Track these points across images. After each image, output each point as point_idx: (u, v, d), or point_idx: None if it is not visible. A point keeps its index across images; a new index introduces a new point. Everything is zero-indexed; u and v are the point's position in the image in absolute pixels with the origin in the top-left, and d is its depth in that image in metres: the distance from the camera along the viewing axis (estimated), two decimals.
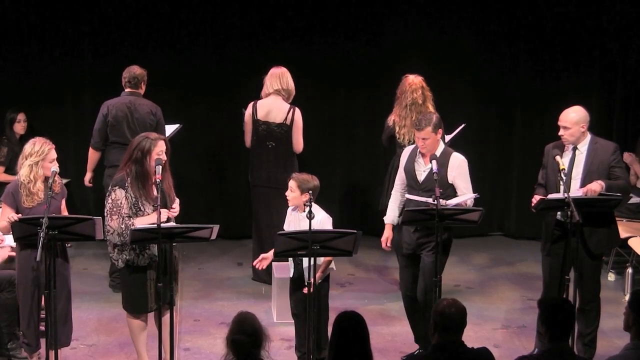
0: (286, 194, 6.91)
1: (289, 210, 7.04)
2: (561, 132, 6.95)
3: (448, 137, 8.50)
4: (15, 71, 9.95)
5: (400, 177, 7.22)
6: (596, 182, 6.80)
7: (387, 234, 7.29)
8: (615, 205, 6.92)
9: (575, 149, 6.95)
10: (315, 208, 6.64)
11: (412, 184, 7.02)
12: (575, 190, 6.82)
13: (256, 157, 8.79)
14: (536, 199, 6.91)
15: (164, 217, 6.30)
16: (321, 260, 6.81)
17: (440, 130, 6.97)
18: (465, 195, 6.91)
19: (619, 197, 6.82)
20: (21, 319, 6.75)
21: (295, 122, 8.63)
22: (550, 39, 10.18)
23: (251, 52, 10.02)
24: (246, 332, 4.92)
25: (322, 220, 6.81)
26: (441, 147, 7.02)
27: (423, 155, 6.99)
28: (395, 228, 7.25)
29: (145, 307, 6.63)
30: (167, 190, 6.58)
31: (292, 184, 6.86)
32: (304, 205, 6.56)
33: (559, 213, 6.91)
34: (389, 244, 7.27)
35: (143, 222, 6.42)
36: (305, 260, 6.69)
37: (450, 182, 6.94)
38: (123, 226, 6.44)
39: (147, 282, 6.56)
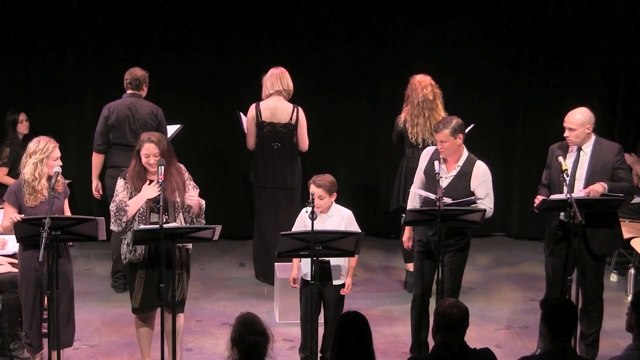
0: (315, 203, 6.52)
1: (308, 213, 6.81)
2: (566, 134, 6.94)
3: None
4: (16, 71, 9.94)
5: (419, 178, 7.12)
6: (599, 184, 6.80)
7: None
8: (618, 206, 6.92)
9: (579, 149, 6.94)
10: (336, 207, 6.78)
11: (433, 189, 6.81)
12: (578, 191, 6.82)
13: (261, 158, 8.76)
14: (539, 199, 6.91)
15: (154, 194, 6.41)
16: (347, 264, 6.83)
17: (461, 135, 6.84)
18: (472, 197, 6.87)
19: (622, 198, 6.82)
20: (23, 319, 6.76)
21: (300, 121, 8.63)
22: (553, 39, 10.17)
23: (252, 53, 10.01)
24: (257, 333, 4.91)
25: (351, 217, 6.86)
26: (465, 153, 6.94)
27: (445, 161, 6.88)
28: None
29: (148, 305, 6.63)
30: (167, 193, 6.52)
31: (320, 191, 6.71)
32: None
33: (562, 214, 6.91)
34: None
35: (134, 202, 6.49)
36: (332, 260, 6.70)
37: (472, 189, 6.90)
38: (114, 208, 6.49)
39: (142, 280, 6.57)
